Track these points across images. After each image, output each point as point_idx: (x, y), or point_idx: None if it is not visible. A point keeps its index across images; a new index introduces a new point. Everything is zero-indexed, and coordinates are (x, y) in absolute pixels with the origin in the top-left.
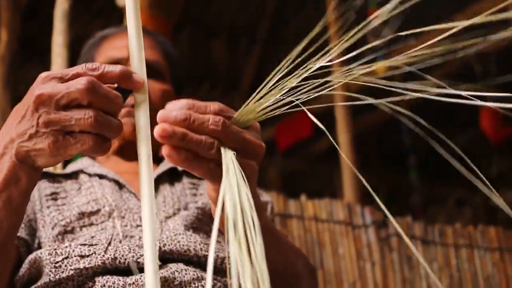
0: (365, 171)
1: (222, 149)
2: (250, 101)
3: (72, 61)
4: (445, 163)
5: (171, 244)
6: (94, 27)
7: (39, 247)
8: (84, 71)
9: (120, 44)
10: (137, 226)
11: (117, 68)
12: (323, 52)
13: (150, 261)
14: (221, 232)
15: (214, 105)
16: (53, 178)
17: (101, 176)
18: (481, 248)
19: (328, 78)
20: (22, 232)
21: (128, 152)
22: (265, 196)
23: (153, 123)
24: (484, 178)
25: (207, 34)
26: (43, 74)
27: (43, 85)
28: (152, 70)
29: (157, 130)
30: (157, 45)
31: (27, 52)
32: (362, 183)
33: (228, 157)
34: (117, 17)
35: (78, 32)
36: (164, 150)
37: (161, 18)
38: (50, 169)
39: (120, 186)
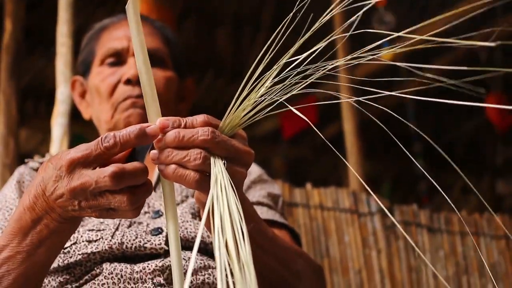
0: (370, 159)
1: (212, 159)
2: (231, 110)
3: (77, 50)
4: (451, 151)
5: (179, 231)
6: (98, 16)
7: None
8: (103, 151)
9: (119, 35)
10: (145, 213)
11: (132, 135)
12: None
13: (174, 249)
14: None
15: (200, 118)
16: None
17: None
18: (487, 236)
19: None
20: None
21: None
22: (277, 190)
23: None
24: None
25: (211, 23)
26: (66, 160)
27: (71, 176)
28: (154, 58)
29: (150, 155)
30: (156, 31)
31: (32, 42)
32: (367, 171)
33: (217, 167)
34: (122, 6)
35: (82, 22)
36: (158, 168)
37: (165, 7)
38: None
39: None
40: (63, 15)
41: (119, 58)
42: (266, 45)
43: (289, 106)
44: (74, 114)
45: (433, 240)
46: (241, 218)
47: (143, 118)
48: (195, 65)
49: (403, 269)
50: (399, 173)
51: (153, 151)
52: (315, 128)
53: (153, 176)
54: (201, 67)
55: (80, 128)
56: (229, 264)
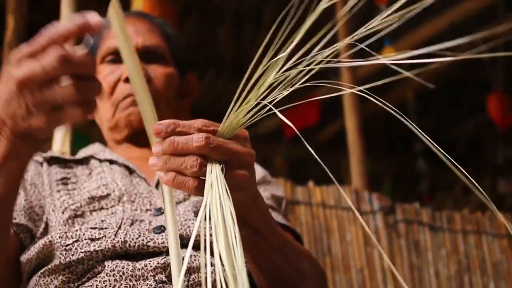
0: (372, 157)
1: (209, 165)
2: (230, 112)
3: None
4: (452, 149)
5: (181, 229)
6: (100, 13)
7: (46, 231)
8: (47, 42)
9: None
10: (147, 210)
11: (72, 25)
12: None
13: (173, 246)
14: None
15: (197, 122)
16: (64, 163)
17: (111, 162)
18: (489, 234)
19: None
20: (21, 219)
21: (138, 139)
22: (280, 192)
23: (160, 105)
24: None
25: (213, 21)
26: (16, 56)
27: (19, 68)
28: (154, 55)
29: (149, 162)
30: (155, 27)
31: (34, 39)
32: (369, 170)
33: (214, 174)
34: (124, 3)
35: None
36: (157, 174)
37: (166, 5)
38: (61, 155)
39: (130, 171)
40: (65, 11)
41: (118, 56)
42: (264, 43)
43: (274, 111)
44: None
45: (435, 239)
46: (235, 226)
47: None
48: (196, 63)
49: (405, 267)
50: (400, 172)
51: (152, 158)
52: (300, 136)
53: (154, 174)
54: (202, 65)
55: (83, 127)
56: (223, 271)
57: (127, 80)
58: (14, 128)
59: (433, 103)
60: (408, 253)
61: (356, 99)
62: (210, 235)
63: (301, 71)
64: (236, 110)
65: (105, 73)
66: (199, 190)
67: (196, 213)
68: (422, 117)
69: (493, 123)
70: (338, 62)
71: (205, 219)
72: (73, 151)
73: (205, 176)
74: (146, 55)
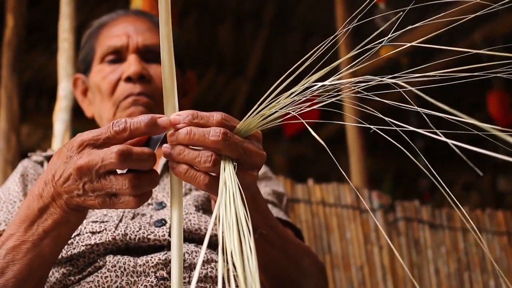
0: (371, 155)
1: (222, 163)
2: (252, 112)
3: (78, 46)
4: (452, 147)
5: (182, 222)
6: (100, 12)
7: None
8: (113, 134)
9: (119, 32)
10: (148, 204)
11: (142, 123)
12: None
13: (176, 242)
14: None
15: (217, 116)
16: None
17: None
18: (489, 232)
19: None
20: None
21: None
22: (281, 188)
23: (161, 104)
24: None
25: (213, 19)
26: (77, 141)
27: (80, 154)
28: (154, 54)
29: (163, 150)
30: (155, 26)
31: (34, 38)
32: (369, 168)
33: (227, 171)
34: (123, 1)
35: (84, 17)
36: (169, 163)
37: None
38: None
39: None
40: (65, 10)
41: (118, 55)
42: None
43: (303, 121)
44: (77, 111)
45: (435, 236)
46: (249, 226)
47: None
48: (197, 61)
49: (405, 265)
50: (400, 169)
51: (165, 145)
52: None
53: (157, 168)
54: (203, 63)
55: (83, 125)
56: (234, 271)
57: (128, 79)
58: (70, 202)
59: (434, 99)
60: (408, 251)
61: (356, 98)
62: (212, 229)
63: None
64: (259, 112)
65: (106, 73)
66: (209, 186)
67: (197, 207)
68: (423, 116)
69: (493, 120)
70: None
71: (219, 218)
72: None
73: (216, 173)
74: (146, 54)
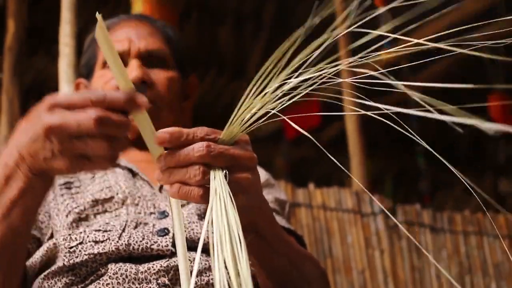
0: (372, 157)
1: (212, 172)
2: (232, 119)
3: (79, 51)
4: (453, 149)
5: (186, 232)
6: (101, 16)
7: (52, 236)
8: (88, 103)
9: (120, 37)
10: (151, 213)
11: (121, 97)
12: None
13: (181, 250)
14: None
15: (199, 131)
16: None
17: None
18: (491, 235)
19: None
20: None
21: (141, 143)
22: (283, 195)
23: (162, 109)
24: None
25: (213, 20)
26: (49, 102)
27: (51, 115)
28: (156, 59)
29: (155, 176)
30: (156, 31)
31: (35, 42)
32: (370, 171)
33: (217, 180)
34: (124, 5)
35: (85, 22)
36: (164, 187)
37: (167, 6)
38: None
39: (133, 174)
40: (66, 15)
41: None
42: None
43: (283, 116)
44: None
45: (436, 240)
46: (239, 232)
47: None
48: (197, 63)
49: (406, 269)
50: (401, 172)
51: (157, 173)
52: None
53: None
54: (203, 65)
55: None
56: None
57: None
58: (33, 165)
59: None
60: (409, 255)
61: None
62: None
63: (305, 80)
64: (239, 117)
65: (108, 78)
66: (204, 198)
67: (199, 216)
68: (423, 117)
69: (494, 122)
70: (337, 66)
71: (211, 224)
72: None
73: (209, 184)
74: (148, 59)
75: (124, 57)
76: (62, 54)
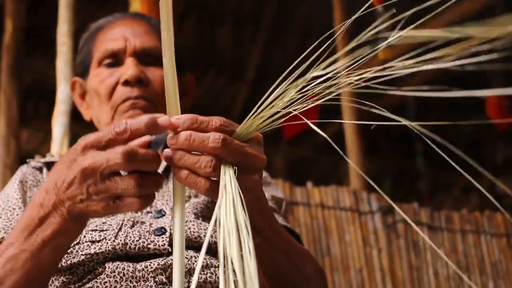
0: (370, 157)
1: (222, 167)
2: (251, 115)
3: (77, 50)
4: (451, 149)
5: (185, 227)
6: (98, 16)
7: None
8: (114, 136)
9: (116, 35)
10: (147, 212)
11: (142, 123)
12: (320, 61)
13: (178, 248)
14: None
15: (216, 121)
16: None
17: None
18: (488, 234)
19: (326, 85)
20: None
21: None
22: (280, 193)
23: (159, 107)
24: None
25: (212, 22)
26: (80, 145)
27: (84, 157)
28: (152, 57)
29: (164, 154)
30: (152, 29)
31: (32, 42)
32: (368, 170)
33: (227, 175)
34: (122, 5)
35: (83, 21)
36: (171, 168)
37: None
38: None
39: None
40: (63, 14)
41: (116, 58)
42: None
43: (307, 120)
44: (76, 115)
45: (433, 239)
46: (248, 231)
47: None
48: (196, 64)
49: (404, 267)
50: (399, 171)
51: (167, 150)
52: (340, 151)
53: None
54: (202, 66)
55: (81, 129)
56: (234, 276)
57: (125, 83)
58: (71, 209)
59: (432, 103)
60: (407, 253)
61: (354, 101)
62: (211, 236)
63: (324, 86)
64: (258, 114)
65: (103, 76)
66: (210, 191)
67: (196, 215)
68: (422, 116)
69: (492, 123)
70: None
71: (219, 222)
72: None
73: (217, 178)
74: (143, 57)
75: (120, 55)
76: (59, 53)
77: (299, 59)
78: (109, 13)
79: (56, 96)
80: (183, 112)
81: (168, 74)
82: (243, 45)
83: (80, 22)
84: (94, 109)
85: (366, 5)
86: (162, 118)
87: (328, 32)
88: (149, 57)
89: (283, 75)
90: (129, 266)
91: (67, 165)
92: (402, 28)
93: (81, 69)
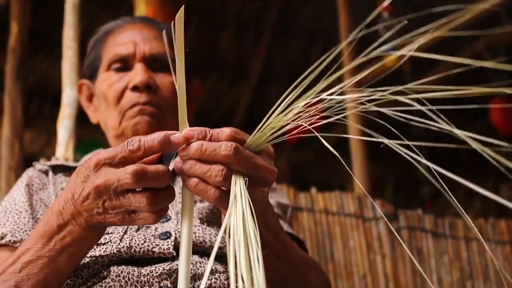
0: (373, 162)
1: (233, 177)
2: (262, 126)
3: (82, 54)
4: (455, 155)
5: (192, 235)
6: (103, 18)
7: None
8: (128, 154)
9: (125, 40)
10: None
11: (156, 141)
12: (330, 72)
13: (184, 254)
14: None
15: (227, 131)
16: (69, 171)
17: None
18: (492, 241)
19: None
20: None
21: None
22: (285, 199)
23: (166, 113)
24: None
25: (215, 25)
26: (94, 161)
27: (97, 174)
28: (160, 63)
29: (174, 164)
30: (161, 34)
31: (38, 45)
32: (372, 176)
33: (238, 186)
34: (126, 7)
35: (88, 25)
36: (181, 177)
37: (169, 10)
38: (66, 162)
39: None
40: (69, 18)
41: (125, 63)
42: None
43: (317, 133)
44: (81, 118)
45: (437, 245)
46: (257, 241)
47: (151, 125)
48: (198, 68)
49: (408, 274)
50: (402, 177)
51: (177, 160)
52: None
53: None
54: (204, 70)
55: (86, 132)
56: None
57: (134, 88)
58: (90, 219)
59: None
60: (411, 259)
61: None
62: (216, 241)
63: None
64: (268, 125)
65: (112, 81)
66: (219, 200)
67: (201, 220)
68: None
69: (496, 129)
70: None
71: (228, 232)
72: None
73: (227, 187)
74: (152, 63)
75: (129, 60)
76: (65, 57)
77: (307, 71)
78: (113, 14)
79: (60, 99)
80: (190, 117)
81: (180, 88)
82: (245, 49)
83: (84, 25)
84: (101, 113)
85: (373, 15)
86: (175, 136)
87: (336, 46)
88: (157, 63)
89: (292, 86)
90: (134, 271)
91: (81, 179)
92: (406, 33)
93: (89, 72)
